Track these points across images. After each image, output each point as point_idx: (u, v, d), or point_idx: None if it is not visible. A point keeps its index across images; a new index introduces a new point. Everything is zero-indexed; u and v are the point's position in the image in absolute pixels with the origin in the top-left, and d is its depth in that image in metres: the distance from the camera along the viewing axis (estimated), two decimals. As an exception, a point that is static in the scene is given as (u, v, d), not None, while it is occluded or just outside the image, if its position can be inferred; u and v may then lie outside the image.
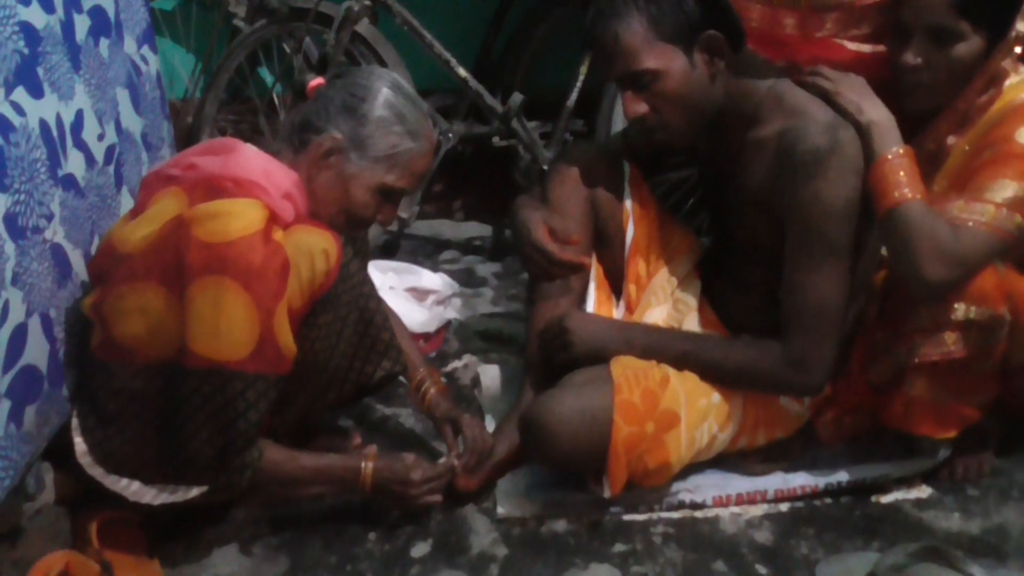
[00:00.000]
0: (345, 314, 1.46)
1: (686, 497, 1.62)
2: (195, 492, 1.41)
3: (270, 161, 1.44)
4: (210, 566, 1.50)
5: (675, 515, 1.61)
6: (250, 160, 1.42)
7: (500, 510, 1.61)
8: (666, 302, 1.70)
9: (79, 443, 1.42)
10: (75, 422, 1.43)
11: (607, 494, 1.53)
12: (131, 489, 1.40)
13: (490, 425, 1.79)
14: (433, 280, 2.22)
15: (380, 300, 1.57)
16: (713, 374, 1.56)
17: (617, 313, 1.74)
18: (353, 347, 1.53)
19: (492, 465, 1.64)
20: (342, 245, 1.42)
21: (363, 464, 1.50)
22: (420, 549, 1.54)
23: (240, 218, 1.33)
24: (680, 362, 1.57)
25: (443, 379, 1.76)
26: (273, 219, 1.37)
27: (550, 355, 1.65)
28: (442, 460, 1.61)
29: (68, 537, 1.44)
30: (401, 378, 1.68)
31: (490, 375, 2.01)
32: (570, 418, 1.49)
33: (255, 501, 1.61)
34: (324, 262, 1.39)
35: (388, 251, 2.66)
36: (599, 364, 1.57)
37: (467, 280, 2.50)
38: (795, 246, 1.48)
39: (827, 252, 1.46)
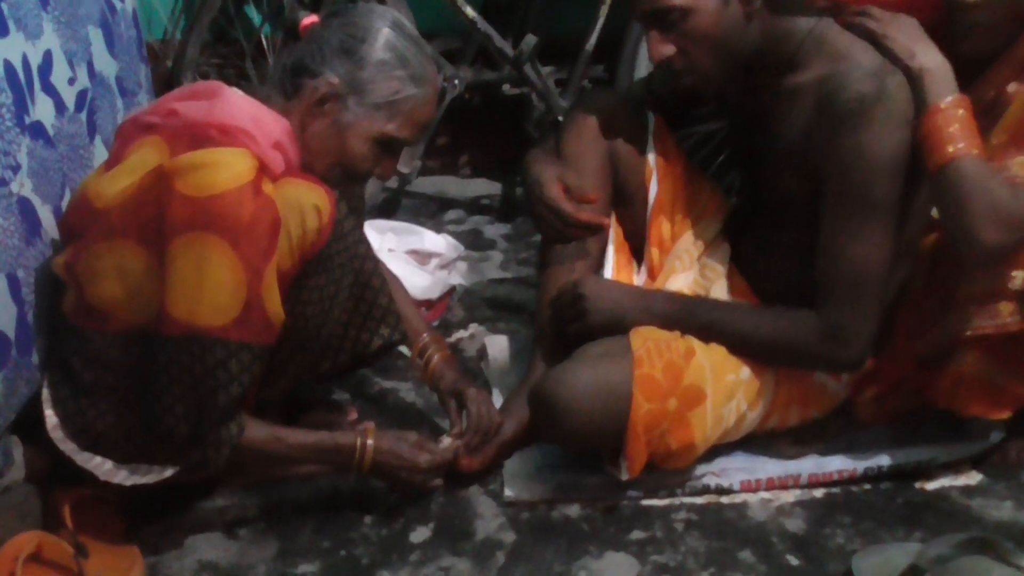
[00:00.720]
0: (339, 277, 1.46)
1: (711, 481, 1.62)
2: (169, 473, 1.42)
3: (258, 107, 1.43)
4: (193, 550, 1.51)
5: (699, 500, 1.61)
6: (237, 106, 1.41)
7: (507, 493, 1.61)
8: (692, 268, 1.70)
9: (50, 416, 1.42)
10: (46, 393, 1.44)
11: (624, 477, 1.53)
12: (103, 468, 1.41)
13: (497, 401, 1.79)
14: (436, 242, 2.22)
15: (378, 262, 1.57)
16: (742, 347, 1.55)
17: (638, 279, 1.74)
18: (348, 313, 1.53)
19: (499, 444, 1.65)
20: (336, 201, 1.42)
21: (360, 441, 1.49)
22: (420, 534, 1.55)
23: (227, 169, 1.32)
24: (705, 333, 1.56)
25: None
26: (262, 170, 1.37)
27: (563, 324, 1.64)
28: (444, 439, 1.62)
29: (39, 517, 1.45)
30: (402, 348, 1.68)
31: (497, 346, 2.01)
32: (585, 393, 1.48)
33: (241, 481, 1.62)
34: (316, 219, 1.38)
35: (387, 210, 2.66)
36: (617, 335, 1.56)
37: (474, 242, 2.49)
38: (833, 205, 1.47)
39: (869, 212, 1.44)
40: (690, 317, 1.57)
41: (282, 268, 1.37)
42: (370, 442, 1.50)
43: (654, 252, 1.72)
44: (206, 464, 1.40)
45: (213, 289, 1.31)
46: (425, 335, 1.71)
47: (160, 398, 1.36)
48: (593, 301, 1.59)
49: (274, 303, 1.36)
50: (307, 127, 1.45)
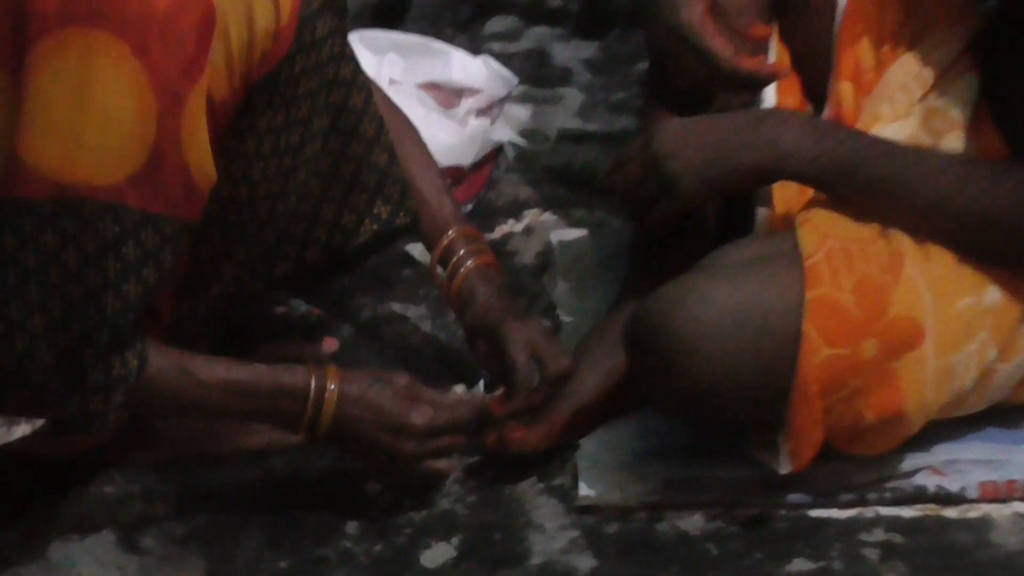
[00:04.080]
0: (307, 115, 1.47)
1: (929, 481, 1.62)
2: (20, 432, 1.45)
3: None
4: (66, 568, 1.53)
5: (907, 512, 1.60)
6: None
7: (584, 492, 1.62)
8: (910, 114, 1.67)
9: None
10: None
11: (784, 468, 1.53)
12: None
13: (570, 344, 1.79)
14: (471, 70, 2.23)
15: (371, 93, 1.58)
16: (934, 222, 1.55)
17: None
18: (322, 179, 1.56)
19: (569, 409, 1.66)
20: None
21: (316, 383, 1.50)
22: (438, 554, 1.56)
23: None
24: (874, 196, 1.56)
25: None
26: None
27: (638, 213, 1.66)
28: (456, 389, 1.65)
29: None
30: (412, 251, 1.77)
31: (571, 248, 2.04)
32: (721, 327, 1.48)
33: (146, 457, 1.65)
34: (270, 14, 1.39)
35: (389, 15, 2.65)
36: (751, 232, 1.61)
37: (535, 71, 2.50)
38: None
39: None
40: (849, 163, 1.55)
41: (215, 95, 1.38)
42: (332, 386, 1.49)
43: (845, 89, 1.70)
44: (87, 421, 1.40)
45: (101, 123, 1.31)
46: (452, 229, 1.71)
47: (5, 308, 1.35)
48: (680, 157, 1.58)
49: (201, 152, 1.37)
50: None
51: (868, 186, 1.55)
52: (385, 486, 1.61)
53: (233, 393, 1.49)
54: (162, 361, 1.44)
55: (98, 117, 1.31)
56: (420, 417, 1.53)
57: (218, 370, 1.49)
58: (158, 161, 1.34)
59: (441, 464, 1.58)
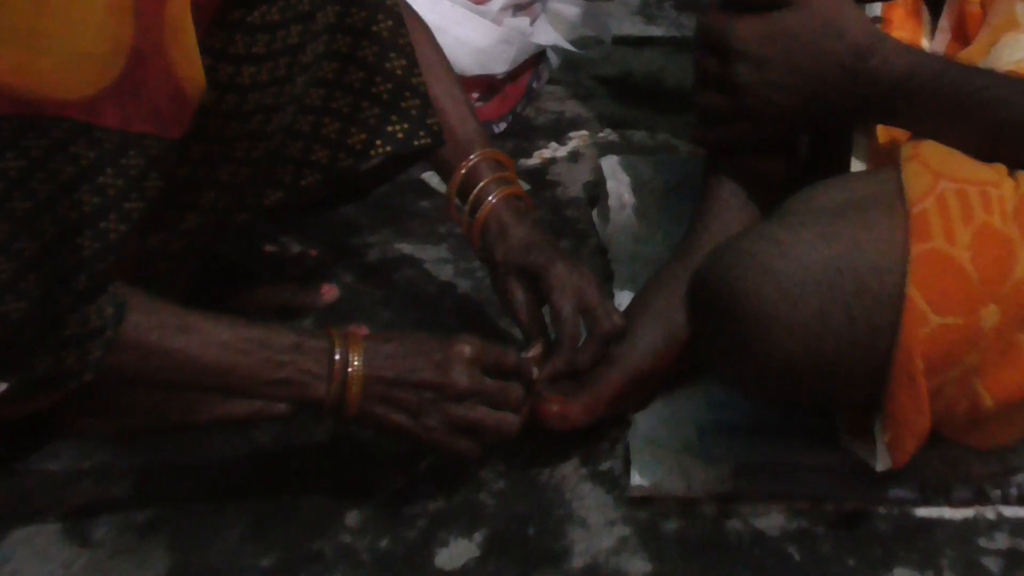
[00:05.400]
0: (308, 8, 1.49)
1: None
2: None
3: None
4: (3, 562, 1.52)
5: None
6: None
7: (637, 479, 1.62)
8: None
9: None
10: None
11: (882, 464, 1.49)
12: None
13: (622, 296, 1.82)
14: None
15: None
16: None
17: (931, 44, 1.75)
18: (325, 89, 1.58)
19: (621, 377, 1.65)
20: None
21: (341, 348, 1.49)
22: (456, 552, 1.55)
23: None
24: (972, 122, 1.56)
25: (521, 182, 1.78)
26: None
27: (707, 118, 1.70)
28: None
29: None
30: (429, 179, 1.73)
31: (625, 179, 2.04)
32: (803, 289, 1.43)
33: (102, 427, 1.66)
34: None
35: None
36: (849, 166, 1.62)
37: None
38: None
39: None
40: (948, 83, 1.55)
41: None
42: (357, 363, 1.49)
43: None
44: (62, 379, 1.38)
45: (64, 20, 1.27)
46: (475, 152, 1.71)
47: None
48: (755, 61, 1.61)
49: (188, 54, 1.37)
50: None
51: (967, 107, 1.55)
52: (438, 454, 1.58)
53: (247, 352, 1.47)
54: (153, 314, 1.44)
55: (60, 13, 1.27)
56: (468, 344, 1.53)
57: (223, 328, 1.47)
58: (138, 69, 1.32)
59: (507, 417, 1.55)
